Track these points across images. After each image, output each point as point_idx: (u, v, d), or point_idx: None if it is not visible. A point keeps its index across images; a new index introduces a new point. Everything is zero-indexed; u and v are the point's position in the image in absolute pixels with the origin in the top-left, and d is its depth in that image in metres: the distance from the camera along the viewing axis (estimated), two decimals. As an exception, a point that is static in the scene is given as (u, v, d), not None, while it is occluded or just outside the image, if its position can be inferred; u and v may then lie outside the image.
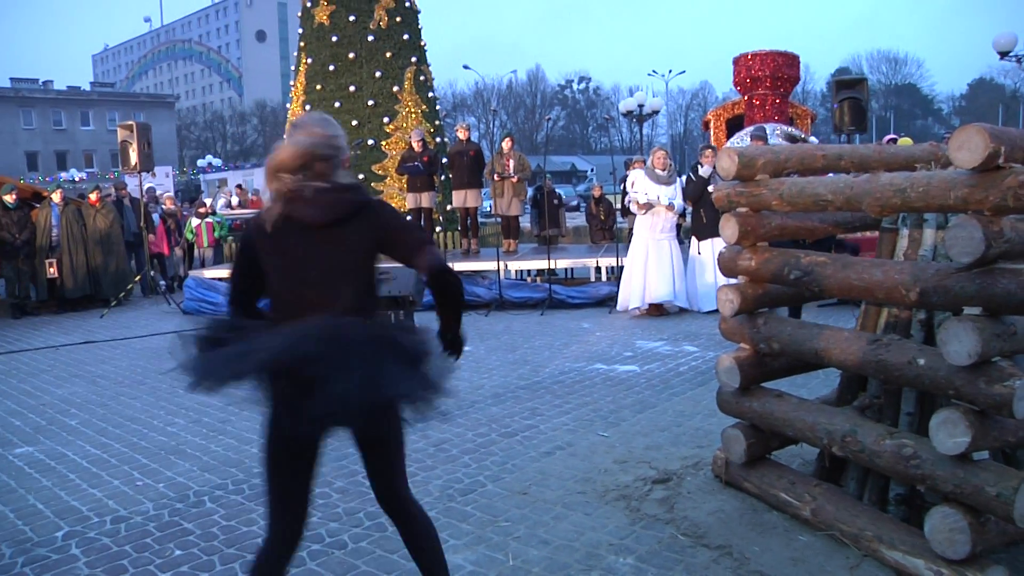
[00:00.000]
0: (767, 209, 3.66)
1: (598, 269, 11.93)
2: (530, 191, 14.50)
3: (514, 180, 12.54)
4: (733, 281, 3.91)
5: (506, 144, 12.90)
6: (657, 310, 9.86)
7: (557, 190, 15.97)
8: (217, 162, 52.56)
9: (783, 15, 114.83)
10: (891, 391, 3.62)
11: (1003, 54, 19.05)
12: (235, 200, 19.79)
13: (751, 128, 12.82)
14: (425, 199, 12.82)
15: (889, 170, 3.63)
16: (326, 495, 4.37)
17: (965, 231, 2.73)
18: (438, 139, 15.42)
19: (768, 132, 11.81)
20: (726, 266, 3.90)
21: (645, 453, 4.93)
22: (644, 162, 10.74)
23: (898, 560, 3.25)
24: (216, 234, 14.75)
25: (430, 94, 15.81)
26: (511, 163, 12.56)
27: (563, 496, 4.31)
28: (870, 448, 3.33)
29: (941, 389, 3.00)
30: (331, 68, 14.87)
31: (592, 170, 59.30)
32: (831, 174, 3.99)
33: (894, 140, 12.56)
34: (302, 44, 15.49)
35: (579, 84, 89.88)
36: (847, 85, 11.77)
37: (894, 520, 3.46)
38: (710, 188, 8.96)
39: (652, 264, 9.69)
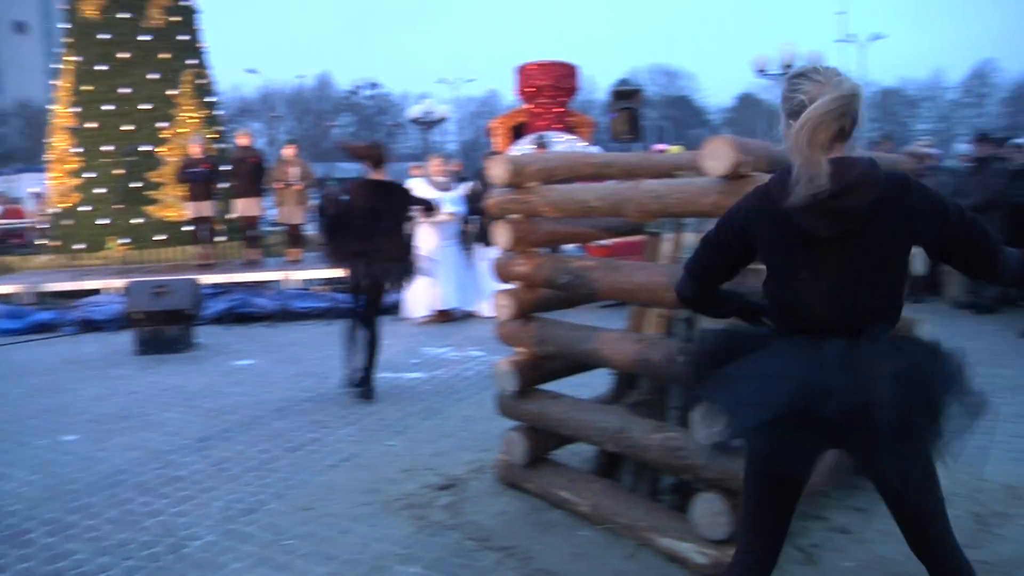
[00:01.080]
0: (538, 215, 3.76)
1: (386, 277, 11.84)
2: (316, 199, 14.23)
3: (297, 188, 12.27)
4: (509, 286, 3.99)
5: (289, 151, 12.62)
6: (444, 316, 9.92)
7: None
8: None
9: (570, 27, 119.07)
10: (659, 388, 3.81)
11: (760, 71, 20.59)
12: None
13: (533, 136, 13.16)
14: (206, 208, 12.32)
15: (654, 177, 3.82)
16: (95, 527, 4.09)
17: (716, 235, 2.90)
18: (218, 146, 14.85)
19: (548, 140, 12.16)
20: (501, 272, 3.97)
21: (431, 460, 4.94)
22: (422, 168, 10.76)
23: (669, 546, 3.43)
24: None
25: (211, 98, 15.19)
26: (294, 170, 12.30)
27: (349, 509, 4.25)
28: (640, 443, 3.49)
29: (701, 384, 3.19)
30: (102, 68, 13.97)
31: (382, 177, 58.92)
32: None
33: (663, 150, 13.25)
34: (68, 40, 14.42)
35: (369, 90, 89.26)
36: (624, 96, 12.37)
37: (665, 509, 3.65)
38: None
39: (437, 271, 9.74)
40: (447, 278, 9.80)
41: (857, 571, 3.42)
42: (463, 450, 5.09)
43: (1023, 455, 4.87)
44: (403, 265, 6.51)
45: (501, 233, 3.81)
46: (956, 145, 21.55)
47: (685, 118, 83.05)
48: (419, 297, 9.80)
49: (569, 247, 9.95)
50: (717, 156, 2.86)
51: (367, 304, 6.46)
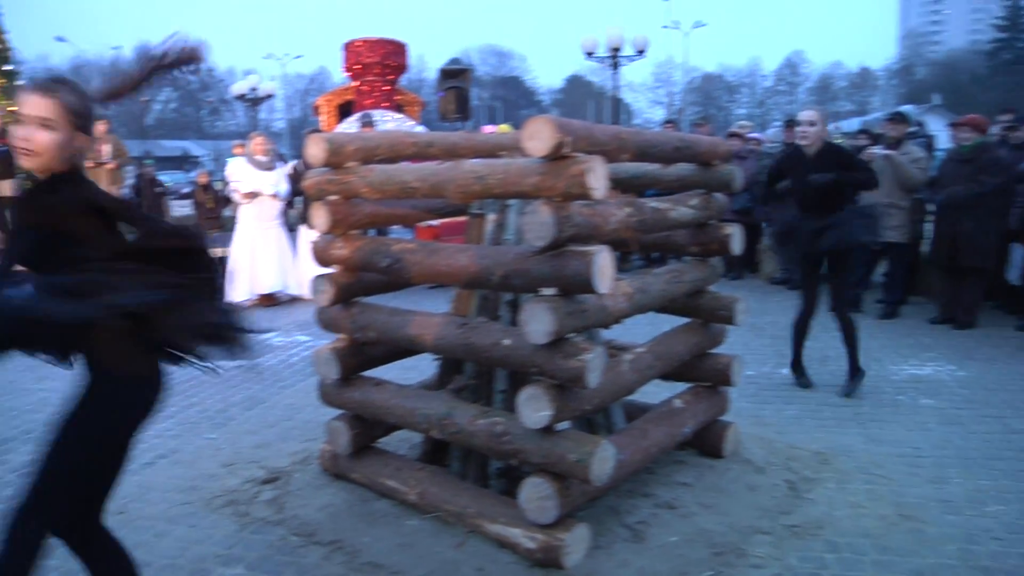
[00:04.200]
0: (358, 197, 3.61)
1: (207, 260, 11.35)
2: (130, 179, 13.46)
3: (110, 167, 11.55)
4: (328, 271, 3.83)
5: (100, 127, 11.83)
6: (268, 300, 9.57)
7: (161, 177, 14.95)
8: None
9: (402, 5, 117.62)
10: (484, 372, 3.76)
11: (589, 54, 20.93)
12: None
13: (359, 114, 12.89)
14: (6, 187, 11.41)
15: (477, 157, 3.74)
16: None
17: (537, 216, 2.85)
18: (19, 121, 13.78)
19: (376, 119, 11.93)
20: (320, 255, 3.81)
21: (254, 452, 4.74)
22: (244, 147, 10.34)
23: (499, 532, 3.39)
24: None
25: (8, 67, 14.06)
26: (106, 148, 11.57)
27: (166, 510, 4.01)
28: (466, 429, 3.43)
29: (525, 367, 3.15)
30: None
31: (206, 155, 56.66)
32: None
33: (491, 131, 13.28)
34: None
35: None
36: (452, 75, 12.26)
37: (494, 495, 3.61)
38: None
39: (259, 253, 9.40)
40: (270, 261, 9.46)
41: (681, 544, 3.50)
42: (287, 441, 4.91)
43: (831, 423, 5.15)
44: None
45: (319, 215, 3.64)
46: (770, 130, 22.70)
47: (516, 99, 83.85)
48: (241, 281, 9.41)
49: (394, 228, 9.87)
50: (538, 136, 2.80)
51: None
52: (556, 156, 2.83)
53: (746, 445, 4.53)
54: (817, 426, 5.07)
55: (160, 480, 4.39)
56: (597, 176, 2.80)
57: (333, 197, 3.65)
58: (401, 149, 3.83)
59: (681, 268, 4.08)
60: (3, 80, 13.68)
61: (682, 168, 4.07)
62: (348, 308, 3.85)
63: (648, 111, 76.54)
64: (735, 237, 4.15)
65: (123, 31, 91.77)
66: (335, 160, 3.57)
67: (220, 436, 5.07)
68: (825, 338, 6.45)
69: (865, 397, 5.63)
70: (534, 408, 3.07)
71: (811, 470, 4.34)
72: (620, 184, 4.13)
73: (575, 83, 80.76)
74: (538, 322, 2.94)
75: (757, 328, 7.61)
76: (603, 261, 2.88)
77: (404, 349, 3.98)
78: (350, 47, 16.44)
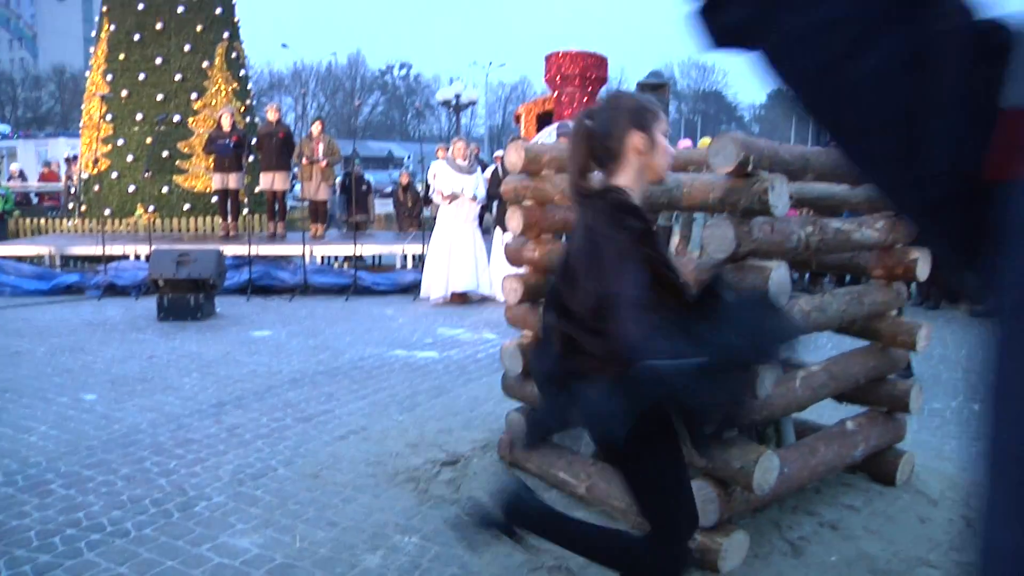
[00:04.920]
0: (551, 203, 3.86)
1: (404, 257, 12.00)
2: (340, 176, 14.39)
3: (322, 165, 12.42)
4: (519, 271, 4.10)
5: (316, 128, 12.75)
6: (460, 298, 10.05)
7: (367, 176, 15.90)
8: (5, 128, 48.13)
9: (608, 15, 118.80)
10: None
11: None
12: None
13: (557, 124, 13.22)
14: (232, 180, 12.49)
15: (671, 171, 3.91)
16: (110, 483, 4.25)
17: (720, 230, 3.00)
18: (248, 119, 15.01)
19: (571, 130, 12.20)
20: (512, 256, 4.08)
21: (437, 437, 5.06)
22: (447, 150, 10.86)
23: (659, 531, 3.53)
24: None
25: (242, 71, 15.36)
26: (320, 147, 12.44)
27: (354, 479, 4.38)
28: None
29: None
30: (136, 37, 14.17)
31: (409, 157, 59.16)
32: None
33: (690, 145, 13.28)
34: (105, 8, 14.62)
35: (400, 71, 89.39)
36: (650, 88, 12.34)
37: (658, 495, 3.75)
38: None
39: (455, 253, 9.87)
40: (465, 261, 9.92)
41: (840, 565, 3.51)
42: (469, 429, 5.21)
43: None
44: None
45: (514, 219, 3.92)
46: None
47: (716, 113, 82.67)
48: (437, 279, 9.94)
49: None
50: (724, 154, 2.95)
51: None
52: (740, 173, 2.96)
53: (922, 476, 4.44)
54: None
55: (350, 452, 4.79)
56: (778, 194, 2.92)
57: (528, 202, 3.91)
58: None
59: (862, 290, 4.08)
60: (237, 84, 14.92)
61: (870, 189, 4.07)
62: (535, 307, 4.10)
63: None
64: (922, 262, 4.11)
65: (339, 40, 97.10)
66: (532, 167, 3.84)
67: (407, 419, 5.45)
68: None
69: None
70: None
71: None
72: (807, 203, 4.17)
73: (778, 98, 78.64)
74: (713, 331, 3.07)
75: (949, 360, 7.33)
76: (780, 276, 2.98)
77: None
78: (551, 58, 16.87)
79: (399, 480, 4.38)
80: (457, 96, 30.65)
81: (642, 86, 12.68)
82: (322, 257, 11.95)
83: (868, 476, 4.36)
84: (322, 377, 6.52)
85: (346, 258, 12.23)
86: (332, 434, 5.11)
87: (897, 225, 4.06)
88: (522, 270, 4.08)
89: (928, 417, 5.34)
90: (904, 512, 4.04)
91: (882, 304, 4.15)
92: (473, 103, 32.71)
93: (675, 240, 3.93)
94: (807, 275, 9.50)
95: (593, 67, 16.66)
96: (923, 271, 4.12)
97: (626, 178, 2.36)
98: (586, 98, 16.43)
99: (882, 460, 4.31)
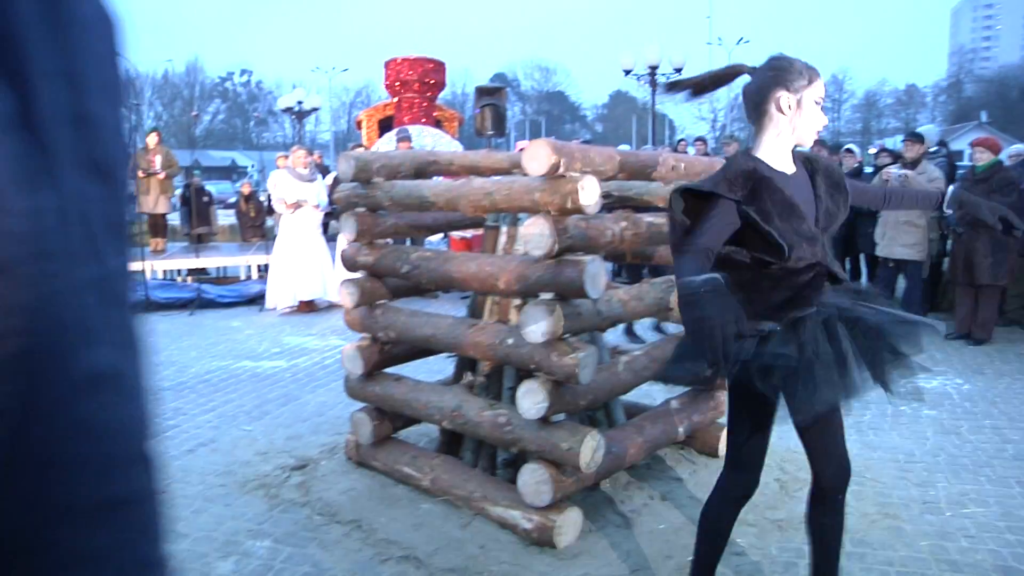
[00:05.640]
0: (382, 209, 4.00)
1: (249, 268, 11.85)
2: (179, 188, 14.03)
3: (160, 177, 12.10)
4: (355, 275, 4.22)
5: (152, 139, 12.41)
6: (307, 306, 10.03)
7: (208, 187, 15.55)
8: None
9: (450, 18, 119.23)
10: (495, 370, 4.11)
11: (627, 72, 21.25)
12: None
13: (397, 130, 13.34)
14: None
15: (496, 175, 4.12)
16: None
17: (537, 228, 3.22)
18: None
19: (414, 134, 12.36)
20: (347, 262, 4.20)
21: (286, 443, 5.11)
22: (288, 159, 10.78)
23: (500, 514, 3.73)
24: None
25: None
26: (157, 159, 12.12)
27: (204, 491, 4.39)
28: (473, 420, 3.78)
29: (525, 364, 3.50)
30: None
31: (252, 166, 57.83)
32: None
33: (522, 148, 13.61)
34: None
35: (240, 77, 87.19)
36: (488, 92, 12.51)
37: (498, 481, 3.96)
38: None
39: (300, 262, 9.84)
40: (310, 269, 9.90)
41: (668, 532, 3.80)
42: (317, 434, 5.28)
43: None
44: None
45: (347, 225, 4.04)
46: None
47: (560, 114, 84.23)
48: (282, 288, 9.89)
49: (436, 239, 10.25)
50: (537, 157, 3.17)
51: None
52: (553, 175, 3.19)
53: (742, 446, 4.82)
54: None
55: (199, 465, 4.79)
56: (589, 193, 3.16)
57: (360, 209, 4.04)
58: (423, 166, 4.22)
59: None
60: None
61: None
62: (372, 310, 4.23)
63: (692, 127, 76.68)
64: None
65: (175, 46, 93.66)
66: (363, 175, 3.97)
67: (256, 428, 5.47)
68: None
69: (868, 407, 5.87)
70: (532, 400, 3.42)
71: (803, 472, 4.57)
72: (623, 201, 4.46)
73: (619, 99, 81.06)
74: (536, 323, 3.29)
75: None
76: (595, 269, 3.23)
77: (421, 348, 4.35)
78: (390, 65, 16.94)
79: (249, 488, 4.42)
80: (300, 103, 30.16)
81: (480, 90, 12.91)
82: (164, 271, 11.64)
83: (694, 450, 4.70)
84: (168, 393, 6.42)
85: (189, 271, 11.95)
86: (180, 448, 5.08)
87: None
88: (358, 275, 4.20)
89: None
90: (725, 480, 4.39)
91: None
92: (316, 110, 32.23)
93: (503, 240, 4.13)
94: (623, 267, 10.02)
95: (432, 72, 16.82)
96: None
97: (767, 136, 2.51)
98: (425, 103, 16.59)
99: (705, 434, 4.65)
